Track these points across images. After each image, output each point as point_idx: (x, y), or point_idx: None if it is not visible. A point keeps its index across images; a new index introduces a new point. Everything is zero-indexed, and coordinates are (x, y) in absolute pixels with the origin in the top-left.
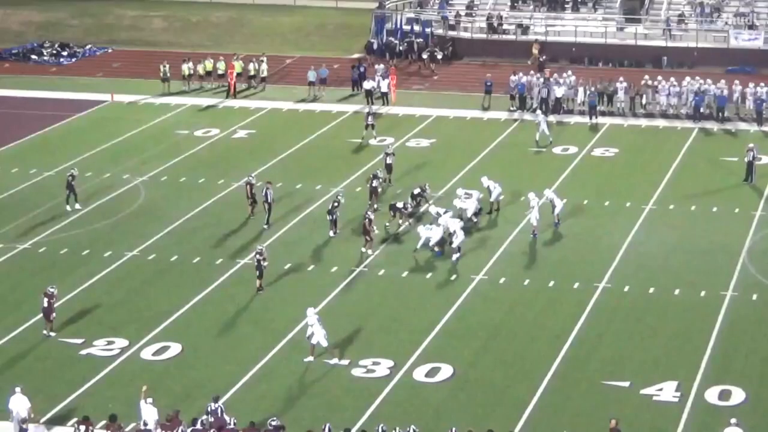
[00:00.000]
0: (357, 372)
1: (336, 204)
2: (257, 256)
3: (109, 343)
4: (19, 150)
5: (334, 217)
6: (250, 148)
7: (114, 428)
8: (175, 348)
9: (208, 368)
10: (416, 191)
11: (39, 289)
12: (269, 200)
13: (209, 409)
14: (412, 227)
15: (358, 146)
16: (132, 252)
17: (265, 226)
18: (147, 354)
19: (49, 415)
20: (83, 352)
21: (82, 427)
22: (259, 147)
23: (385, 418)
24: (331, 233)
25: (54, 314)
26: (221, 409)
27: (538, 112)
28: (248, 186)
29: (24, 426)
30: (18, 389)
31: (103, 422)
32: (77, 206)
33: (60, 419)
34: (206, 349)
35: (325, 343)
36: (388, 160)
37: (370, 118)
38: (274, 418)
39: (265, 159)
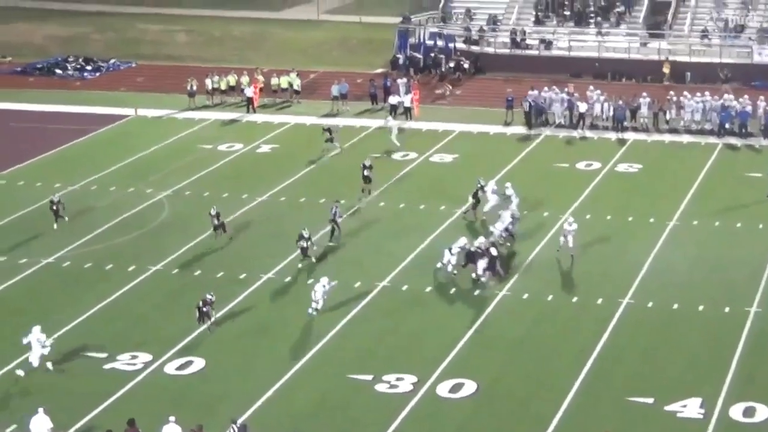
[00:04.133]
0: (380, 387)
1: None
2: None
3: (133, 357)
4: (44, 164)
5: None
6: (274, 162)
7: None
8: (198, 363)
9: (231, 383)
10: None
11: (62, 303)
12: (336, 218)
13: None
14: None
15: (383, 160)
16: (156, 266)
17: (331, 243)
18: (171, 369)
19: (72, 430)
20: (107, 366)
21: None
22: (283, 161)
23: None
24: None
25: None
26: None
27: (389, 117)
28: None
29: None
30: (41, 410)
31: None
32: (55, 226)
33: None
34: (229, 363)
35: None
36: (365, 173)
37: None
38: None
39: (289, 173)
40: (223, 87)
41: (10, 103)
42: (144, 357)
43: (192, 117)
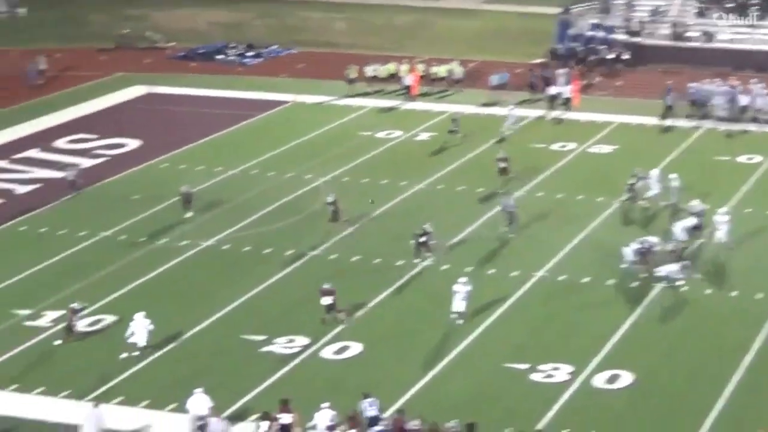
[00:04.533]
0: (536, 377)
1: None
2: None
3: (290, 341)
4: (205, 148)
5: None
6: (432, 150)
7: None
8: (355, 347)
9: (387, 369)
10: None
11: (221, 286)
12: (512, 209)
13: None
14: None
15: (542, 150)
16: (314, 251)
17: (506, 231)
18: (327, 353)
19: (229, 411)
20: (264, 349)
21: (263, 423)
22: (441, 150)
23: (564, 424)
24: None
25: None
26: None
27: (512, 106)
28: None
29: (202, 422)
30: (199, 390)
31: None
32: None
33: (240, 415)
34: (386, 349)
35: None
36: (501, 165)
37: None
38: (454, 423)
39: (446, 162)
40: (383, 75)
41: (172, 88)
42: (301, 341)
43: (350, 104)
